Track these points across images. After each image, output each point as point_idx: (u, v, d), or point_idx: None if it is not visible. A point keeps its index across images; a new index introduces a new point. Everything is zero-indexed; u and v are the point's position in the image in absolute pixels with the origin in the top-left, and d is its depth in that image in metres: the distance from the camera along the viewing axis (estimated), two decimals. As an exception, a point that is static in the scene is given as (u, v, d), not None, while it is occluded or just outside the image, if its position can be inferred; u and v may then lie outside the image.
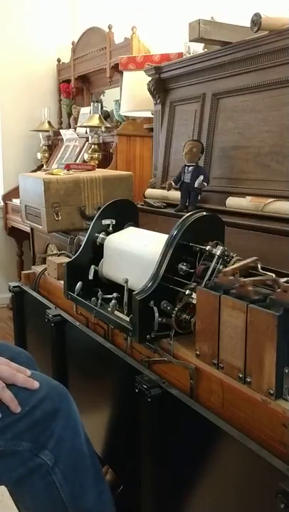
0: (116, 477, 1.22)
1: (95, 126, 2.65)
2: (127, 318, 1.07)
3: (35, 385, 0.91)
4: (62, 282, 1.32)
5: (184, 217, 1.02)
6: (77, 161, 2.91)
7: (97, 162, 2.62)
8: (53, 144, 3.49)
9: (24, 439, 0.89)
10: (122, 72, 2.59)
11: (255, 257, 0.97)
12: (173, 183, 1.62)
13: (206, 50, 1.73)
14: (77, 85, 3.59)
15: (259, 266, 0.96)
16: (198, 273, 0.99)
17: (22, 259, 3.69)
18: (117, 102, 2.92)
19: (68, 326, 1.32)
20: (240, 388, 0.82)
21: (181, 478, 0.93)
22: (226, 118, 1.61)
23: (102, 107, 3.01)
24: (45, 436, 0.91)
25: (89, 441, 1.01)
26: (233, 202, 1.48)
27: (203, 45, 1.78)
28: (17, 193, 2.34)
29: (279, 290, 0.79)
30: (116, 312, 1.13)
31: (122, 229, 1.30)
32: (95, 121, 2.64)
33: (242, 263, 0.95)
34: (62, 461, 0.93)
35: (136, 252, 1.14)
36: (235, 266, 0.94)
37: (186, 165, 1.59)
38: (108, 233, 1.28)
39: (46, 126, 3.40)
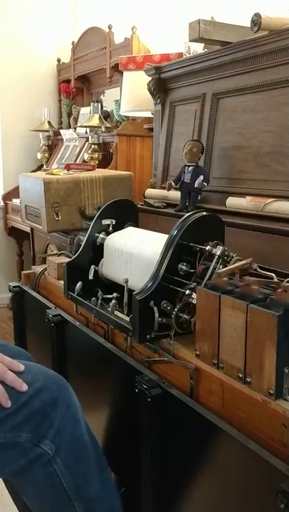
0: (117, 479, 1.21)
1: (95, 126, 2.65)
2: (127, 318, 1.07)
3: (24, 387, 0.91)
4: (62, 282, 1.32)
5: (184, 217, 1.02)
6: (77, 161, 2.91)
7: (97, 162, 2.61)
8: (53, 144, 3.49)
9: (24, 430, 0.89)
10: (122, 72, 2.59)
11: (250, 259, 0.97)
12: (173, 183, 1.62)
13: (206, 50, 1.73)
14: (77, 85, 3.59)
15: (255, 266, 0.96)
16: (198, 273, 0.99)
17: (22, 259, 3.69)
18: (117, 102, 2.92)
19: (68, 326, 1.32)
20: (240, 388, 0.82)
21: (182, 478, 0.93)
22: (226, 118, 1.61)
23: (102, 107, 3.01)
24: (45, 426, 0.91)
25: (90, 431, 1.00)
26: (233, 202, 1.48)
27: (203, 45, 1.78)
28: (17, 193, 2.34)
29: (279, 290, 0.79)
30: (116, 312, 1.13)
31: (122, 229, 1.30)
32: (95, 121, 2.64)
33: (236, 265, 0.95)
34: (63, 451, 0.93)
35: (136, 252, 1.14)
36: (230, 267, 0.94)
37: (186, 165, 1.59)
38: (108, 233, 1.28)
39: (46, 126, 3.40)
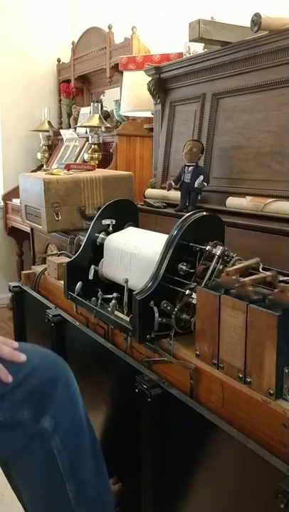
0: (116, 478, 1.21)
1: (95, 126, 2.65)
2: (127, 318, 1.07)
3: (22, 358, 0.91)
4: (62, 282, 1.32)
5: (184, 217, 1.02)
6: (77, 161, 2.91)
7: (97, 162, 2.61)
8: (53, 144, 3.49)
9: (24, 407, 0.89)
10: (122, 72, 2.59)
11: (258, 258, 0.97)
12: (173, 183, 1.62)
13: (206, 50, 1.73)
14: (77, 85, 3.58)
15: (260, 267, 0.96)
16: (198, 273, 0.99)
17: (22, 259, 3.68)
18: (117, 102, 2.92)
19: (68, 326, 1.32)
20: (240, 388, 0.82)
21: (181, 477, 0.93)
22: (226, 118, 1.61)
23: (102, 107, 3.01)
24: (46, 403, 0.91)
25: (87, 416, 1.00)
26: (233, 202, 1.48)
27: (203, 45, 1.78)
28: (17, 193, 2.34)
29: (276, 290, 0.79)
30: (116, 312, 1.13)
31: (122, 229, 1.30)
32: (95, 121, 2.64)
33: (245, 263, 0.95)
34: (61, 428, 0.93)
35: (136, 252, 1.14)
36: (238, 266, 0.94)
37: (186, 165, 1.59)
38: (108, 233, 1.28)
39: (46, 126, 3.40)
